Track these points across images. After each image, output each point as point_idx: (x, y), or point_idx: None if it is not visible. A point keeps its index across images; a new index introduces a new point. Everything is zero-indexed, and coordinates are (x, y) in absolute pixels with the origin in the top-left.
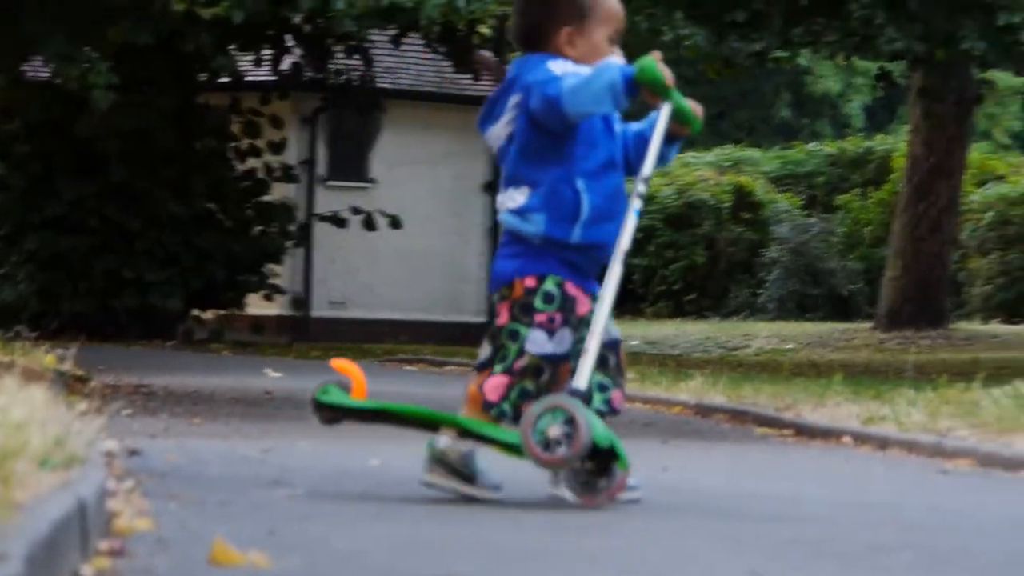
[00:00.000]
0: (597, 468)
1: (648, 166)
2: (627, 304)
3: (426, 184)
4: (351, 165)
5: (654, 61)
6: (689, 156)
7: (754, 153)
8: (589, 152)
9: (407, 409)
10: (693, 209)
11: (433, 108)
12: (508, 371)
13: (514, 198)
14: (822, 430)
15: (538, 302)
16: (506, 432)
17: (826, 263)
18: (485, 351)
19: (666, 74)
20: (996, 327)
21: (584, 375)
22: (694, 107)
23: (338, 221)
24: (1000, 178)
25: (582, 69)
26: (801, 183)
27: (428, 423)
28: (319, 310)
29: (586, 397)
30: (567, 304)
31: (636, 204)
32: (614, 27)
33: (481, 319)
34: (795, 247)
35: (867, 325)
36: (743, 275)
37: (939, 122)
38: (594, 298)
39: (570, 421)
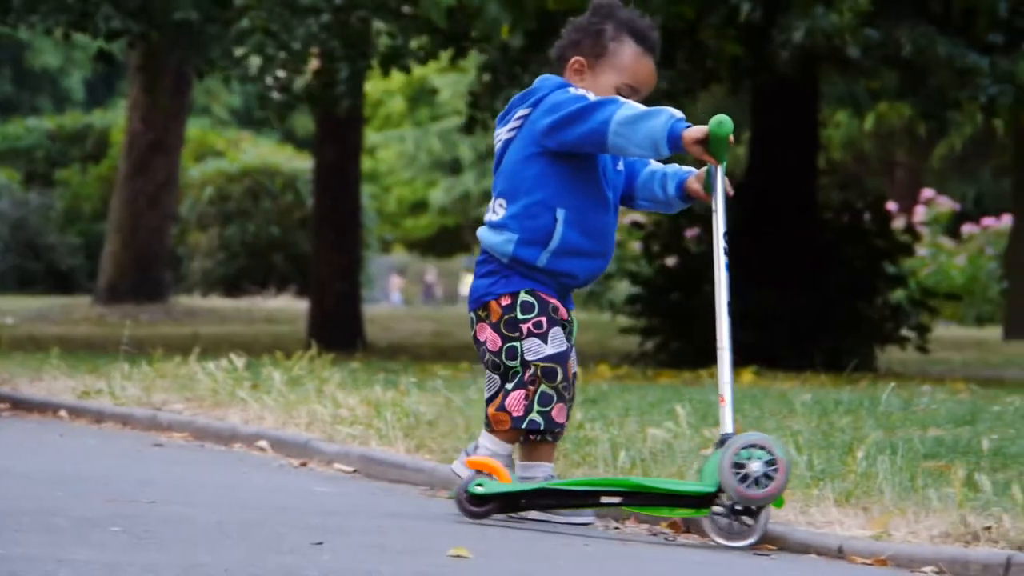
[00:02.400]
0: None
1: (720, 224)
2: None
3: None
4: None
5: (730, 121)
6: None
7: None
8: (582, 187)
9: (574, 482)
10: None
11: None
12: (521, 385)
13: (495, 211)
14: (38, 404)
15: (519, 314)
16: (687, 483)
17: (46, 238)
18: (490, 384)
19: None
20: (215, 301)
21: (728, 423)
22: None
23: None
24: (219, 154)
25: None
26: (21, 158)
27: (595, 494)
28: None
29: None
30: (547, 306)
31: (723, 256)
32: (628, 82)
33: None
34: (14, 222)
35: (87, 299)
36: None
37: (157, 98)
38: (569, 312)
39: (772, 462)
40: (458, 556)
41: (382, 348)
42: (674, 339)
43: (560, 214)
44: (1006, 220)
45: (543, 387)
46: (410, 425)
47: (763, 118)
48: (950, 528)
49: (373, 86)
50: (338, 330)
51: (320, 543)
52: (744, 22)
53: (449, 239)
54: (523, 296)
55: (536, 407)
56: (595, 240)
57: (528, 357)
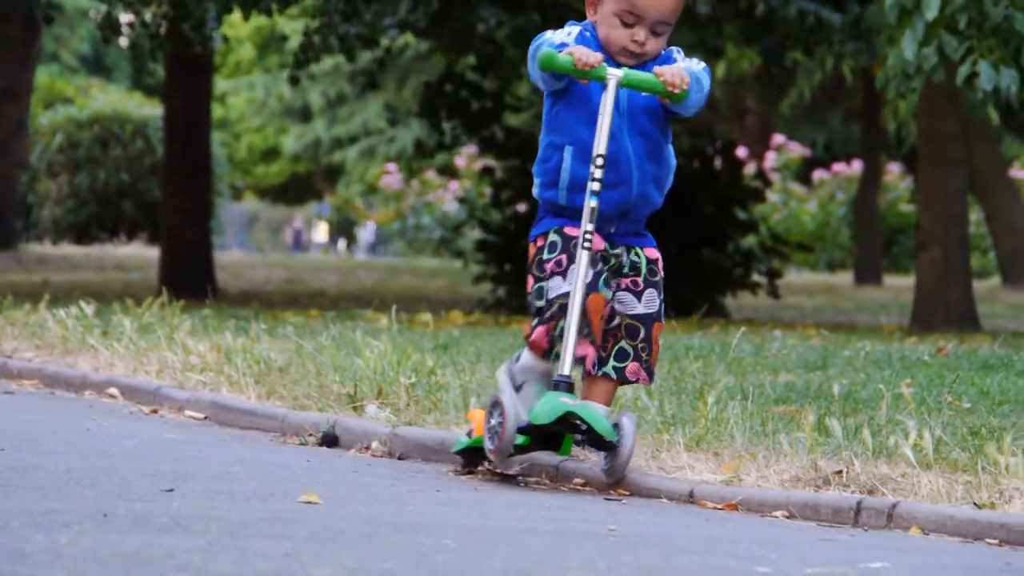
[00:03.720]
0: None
1: (600, 144)
2: None
3: None
4: None
5: (549, 53)
6: None
7: None
8: (584, 119)
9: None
10: None
11: None
12: (543, 321)
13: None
14: None
15: (545, 254)
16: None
17: None
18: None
19: (582, 61)
20: (66, 249)
21: (566, 363)
22: (664, 74)
23: None
24: (68, 101)
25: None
26: None
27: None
28: None
29: (570, 384)
30: (572, 241)
31: (593, 186)
32: (625, 8)
33: None
34: None
35: None
36: None
37: (7, 45)
38: (606, 239)
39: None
40: (308, 502)
41: (233, 295)
42: (525, 285)
43: (568, 151)
44: (856, 166)
45: (561, 322)
46: (261, 372)
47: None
48: (801, 473)
49: (222, 33)
50: (189, 277)
51: (171, 490)
52: None
53: (300, 186)
54: (551, 236)
55: (557, 342)
56: (606, 169)
57: (549, 295)
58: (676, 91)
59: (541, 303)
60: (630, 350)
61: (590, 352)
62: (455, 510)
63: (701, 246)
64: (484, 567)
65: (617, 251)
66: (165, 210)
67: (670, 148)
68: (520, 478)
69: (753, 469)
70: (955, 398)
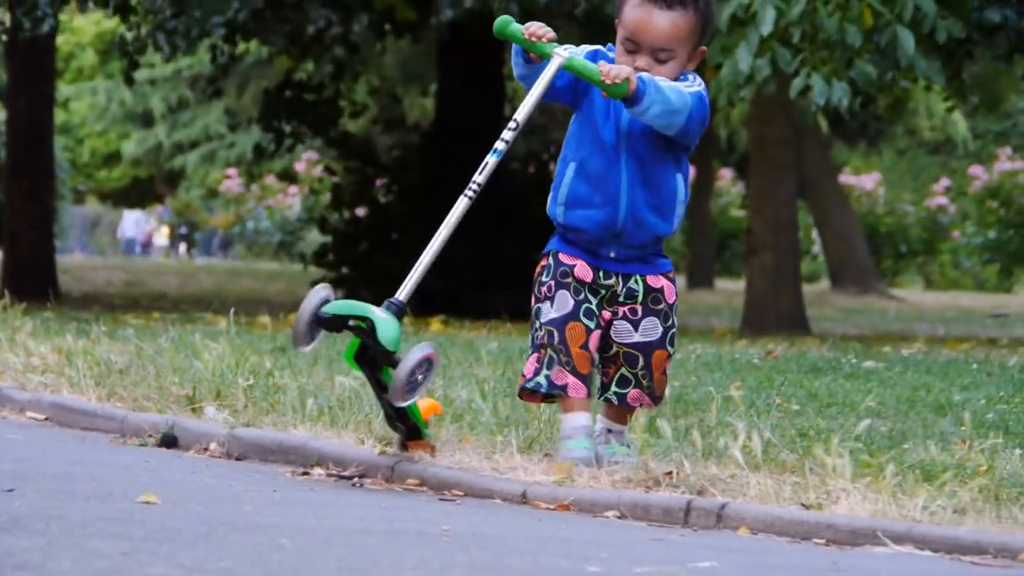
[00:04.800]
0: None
1: (522, 111)
2: None
3: None
4: None
5: (505, 19)
6: None
7: None
8: (586, 135)
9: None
10: None
11: None
12: (535, 348)
13: None
14: None
15: (542, 277)
16: None
17: None
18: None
19: (530, 31)
20: None
21: (405, 289)
22: (607, 70)
23: None
24: None
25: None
26: None
27: None
28: None
29: (401, 308)
30: (560, 269)
31: (498, 144)
32: (627, 35)
33: None
34: None
35: None
36: None
37: None
38: (596, 269)
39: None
40: (147, 502)
41: (75, 298)
42: (364, 289)
43: (571, 167)
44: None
45: (549, 350)
46: (101, 374)
47: (446, 71)
48: (631, 474)
49: (65, 40)
50: (31, 280)
51: (11, 490)
52: None
53: (142, 190)
54: (548, 259)
55: (544, 369)
56: (596, 187)
57: (541, 320)
58: (607, 82)
59: (536, 324)
60: (631, 377)
61: (570, 380)
62: (291, 510)
63: (537, 251)
64: (319, 566)
65: (609, 281)
66: (8, 213)
67: (677, 177)
68: (356, 480)
69: (585, 470)
70: (784, 400)
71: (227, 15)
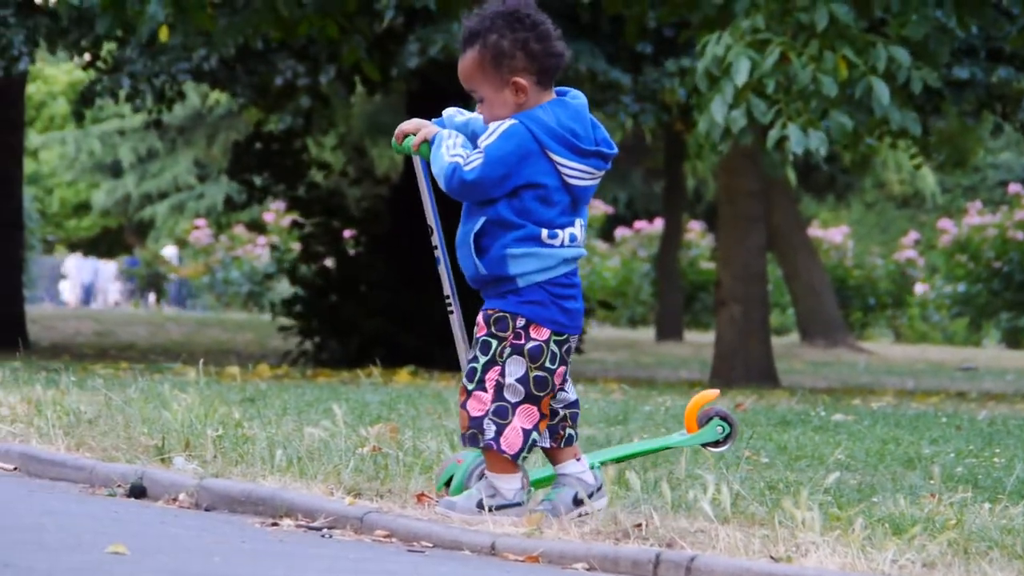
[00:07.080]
0: None
1: (428, 215)
2: None
3: None
4: None
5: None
6: None
7: None
8: None
9: None
10: None
11: None
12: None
13: None
14: None
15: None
16: None
17: None
18: None
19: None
20: None
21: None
22: (396, 130)
23: None
24: None
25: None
26: None
27: None
28: None
29: None
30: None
31: (436, 253)
32: None
33: None
34: None
35: None
36: None
37: None
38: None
39: None
40: (116, 552)
41: (44, 348)
42: (332, 339)
43: None
44: (658, 224)
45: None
46: (70, 424)
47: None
48: (601, 526)
49: (37, 88)
50: (0, 330)
51: None
52: (384, 31)
53: (111, 240)
54: None
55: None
56: (459, 244)
57: None
58: (395, 142)
59: None
60: None
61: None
62: (260, 561)
63: None
64: None
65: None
66: None
67: (473, 221)
68: (325, 531)
69: (554, 522)
70: (753, 453)
71: (194, 62)
